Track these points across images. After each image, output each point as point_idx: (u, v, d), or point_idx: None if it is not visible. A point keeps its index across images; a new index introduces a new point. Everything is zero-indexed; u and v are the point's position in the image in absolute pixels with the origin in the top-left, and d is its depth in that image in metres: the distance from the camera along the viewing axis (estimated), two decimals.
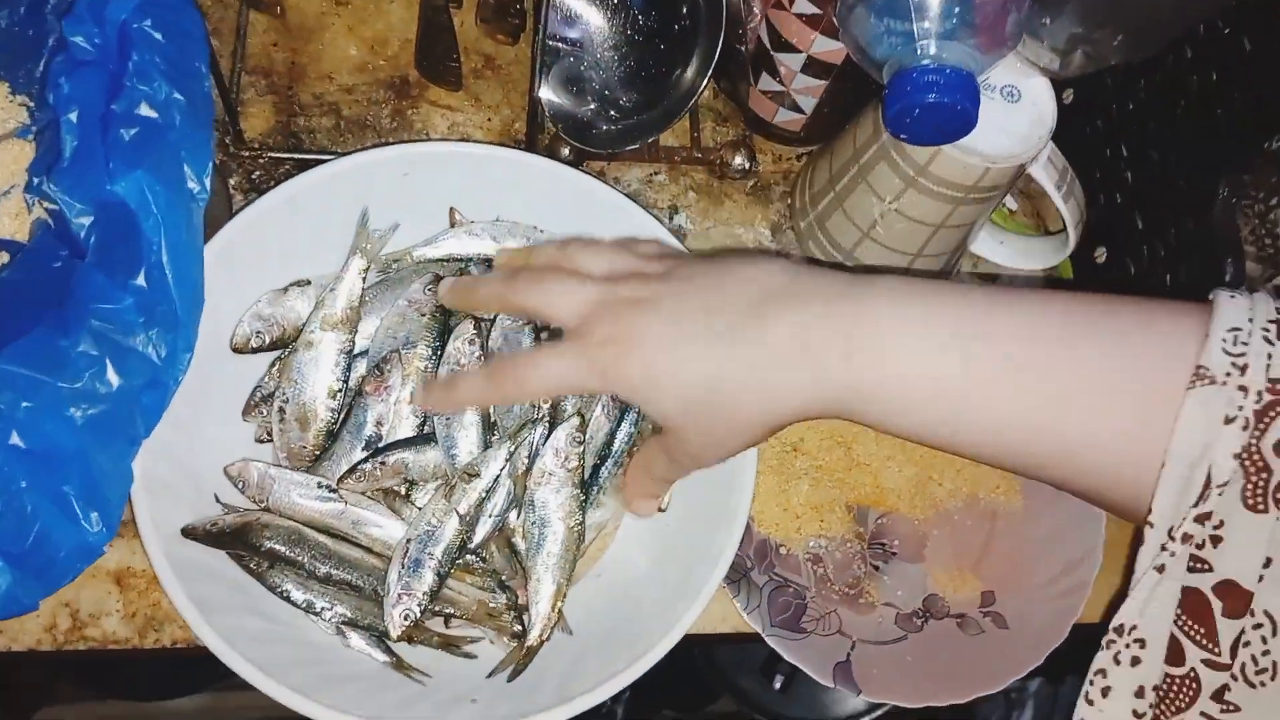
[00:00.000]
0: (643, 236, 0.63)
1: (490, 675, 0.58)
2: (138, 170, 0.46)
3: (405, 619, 0.56)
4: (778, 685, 1.03)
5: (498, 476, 0.58)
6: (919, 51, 0.55)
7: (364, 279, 0.62)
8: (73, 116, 0.49)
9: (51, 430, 0.46)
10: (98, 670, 1.22)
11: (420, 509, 0.59)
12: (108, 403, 0.46)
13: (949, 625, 0.66)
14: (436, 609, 0.58)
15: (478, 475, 0.58)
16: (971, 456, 0.48)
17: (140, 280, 0.47)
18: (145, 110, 0.47)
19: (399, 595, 0.56)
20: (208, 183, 0.49)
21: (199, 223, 0.50)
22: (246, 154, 0.70)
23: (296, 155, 0.71)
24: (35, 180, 0.55)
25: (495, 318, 0.63)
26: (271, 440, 0.62)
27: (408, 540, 0.57)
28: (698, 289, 0.50)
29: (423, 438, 0.61)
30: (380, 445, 0.60)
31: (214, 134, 0.69)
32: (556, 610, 0.59)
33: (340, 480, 0.59)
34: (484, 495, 0.58)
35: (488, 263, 0.65)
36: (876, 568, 0.68)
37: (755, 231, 0.76)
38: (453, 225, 0.65)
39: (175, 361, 0.50)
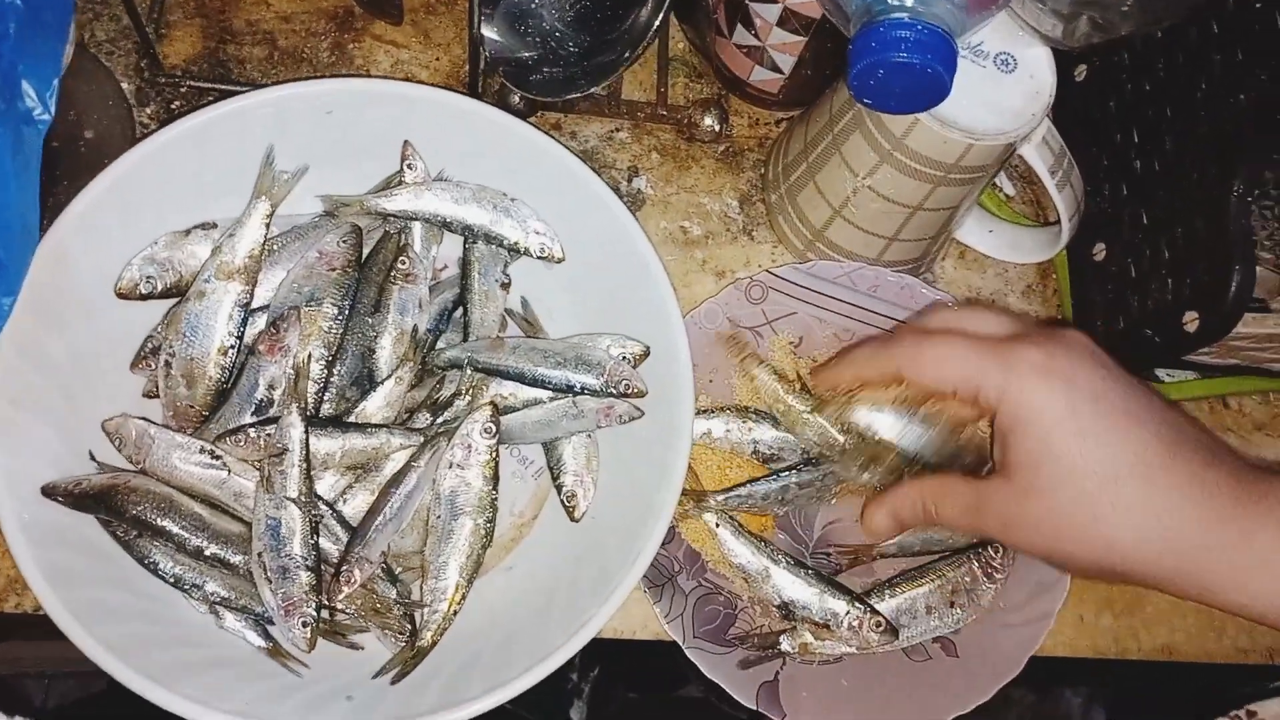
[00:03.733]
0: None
1: (375, 676, 0.53)
2: None
3: (306, 627, 0.51)
4: None
5: (305, 438, 0.52)
6: (893, 1, 0.48)
7: (268, 225, 0.56)
8: None
9: None
10: None
11: (253, 510, 0.53)
12: None
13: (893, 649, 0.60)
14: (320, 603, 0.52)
15: (285, 449, 0.52)
16: None
17: None
18: None
19: (284, 611, 0.51)
20: (51, 102, 0.43)
21: (34, 148, 0.44)
22: (164, 80, 0.64)
23: (221, 86, 0.65)
24: None
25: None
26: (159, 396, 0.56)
27: (259, 554, 0.51)
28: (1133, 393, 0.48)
29: (321, 420, 0.55)
30: (270, 412, 0.55)
31: (129, 56, 0.65)
32: (454, 611, 0.53)
33: (217, 439, 0.53)
34: (304, 465, 0.52)
35: (445, 224, 0.59)
36: None
37: (722, 202, 0.69)
38: (404, 161, 0.59)
39: None
